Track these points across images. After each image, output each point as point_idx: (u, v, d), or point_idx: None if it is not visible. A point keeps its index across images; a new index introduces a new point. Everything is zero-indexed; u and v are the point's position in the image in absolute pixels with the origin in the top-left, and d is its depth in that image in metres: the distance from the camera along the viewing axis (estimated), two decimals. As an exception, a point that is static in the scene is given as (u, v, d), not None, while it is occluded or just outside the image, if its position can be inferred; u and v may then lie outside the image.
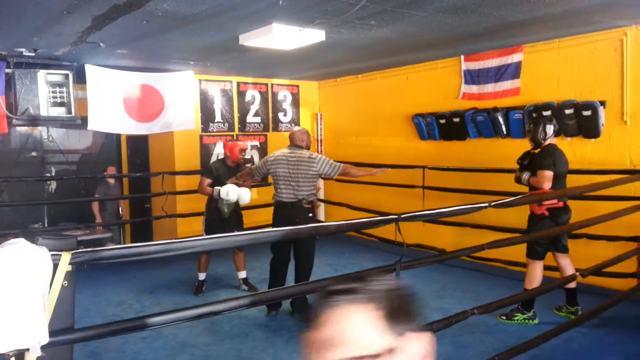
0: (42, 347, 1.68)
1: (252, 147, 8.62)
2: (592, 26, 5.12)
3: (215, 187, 5.44)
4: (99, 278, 6.04)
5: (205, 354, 4.11)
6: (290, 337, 4.43)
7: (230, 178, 5.50)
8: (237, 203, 5.58)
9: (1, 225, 7.84)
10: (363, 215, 6.79)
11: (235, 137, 8.37)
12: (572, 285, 4.52)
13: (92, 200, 7.71)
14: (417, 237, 6.89)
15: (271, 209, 5.12)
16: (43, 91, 5.84)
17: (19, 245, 1.64)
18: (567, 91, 5.67)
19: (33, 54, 5.58)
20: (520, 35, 5.46)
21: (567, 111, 5.52)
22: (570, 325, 3.86)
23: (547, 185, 4.34)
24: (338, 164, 4.88)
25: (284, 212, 4.87)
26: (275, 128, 8.89)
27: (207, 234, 5.53)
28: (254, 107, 8.60)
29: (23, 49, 5.45)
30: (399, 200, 7.51)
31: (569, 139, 5.64)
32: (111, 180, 7.56)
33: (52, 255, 1.72)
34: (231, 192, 5.35)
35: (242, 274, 5.84)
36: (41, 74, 5.82)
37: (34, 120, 6.02)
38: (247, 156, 8.42)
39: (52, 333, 1.72)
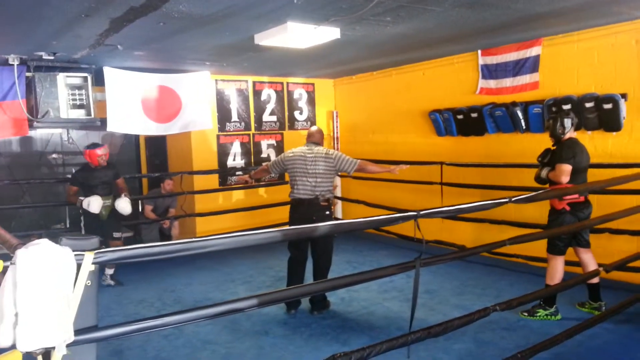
0: (67, 346, 1.70)
1: (269, 145, 8.65)
2: (611, 18, 5.03)
3: (79, 198, 5.66)
4: (120, 277, 6.11)
5: (226, 352, 4.14)
6: (310, 334, 4.44)
7: (98, 179, 5.75)
8: (112, 204, 5.86)
9: (24, 226, 7.99)
10: (381, 213, 6.73)
11: (252, 136, 8.41)
12: (595, 280, 4.46)
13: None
14: (435, 233, 6.86)
15: (286, 207, 5.13)
16: (63, 94, 5.93)
17: (43, 246, 1.66)
18: (587, 84, 5.58)
19: (52, 58, 5.67)
20: (538, 28, 5.38)
21: (588, 104, 5.43)
22: (594, 321, 3.80)
23: (565, 179, 4.28)
24: (355, 160, 4.90)
25: (301, 209, 4.88)
26: (292, 126, 8.91)
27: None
28: (270, 106, 8.63)
29: (42, 53, 5.53)
30: (417, 196, 7.48)
31: (589, 132, 5.55)
32: (164, 192, 7.68)
33: (75, 255, 1.75)
34: (92, 204, 5.57)
35: (111, 271, 6.02)
36: (61, 77, 5.91)
37: (54, 123, 6.12)
38: (264, 155, 8.49)
39: (77, 332, 1.75)
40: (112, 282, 5.98)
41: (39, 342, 1.62)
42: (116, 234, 5.89)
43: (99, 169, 5.80)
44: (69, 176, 8.47)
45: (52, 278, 1.65)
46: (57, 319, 1.64)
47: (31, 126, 5.99)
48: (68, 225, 8.34)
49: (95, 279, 1.88)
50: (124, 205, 5.90)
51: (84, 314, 1.81)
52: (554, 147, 4.54)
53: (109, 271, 6.02)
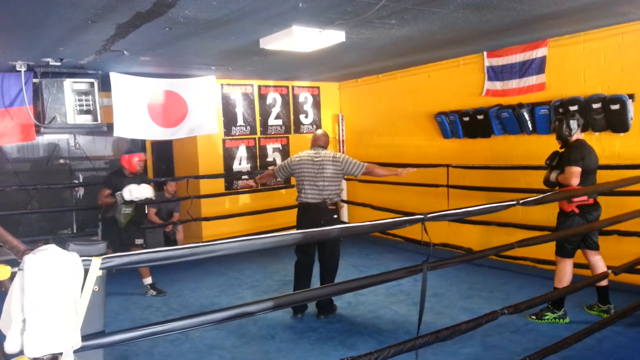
0: (75, 351, 1.70)
1: (274, 149, 8.66)
2: (618, 18, 5.00)
3: (117, 193, 5.53)
4: (127, 282, 6.12)
5: (232, 356, 4.13)
6: (317, 338, 4.43)
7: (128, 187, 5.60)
8: (133, 213, 5.71)
9: (31, 231, 8.02)
10: (387, 216, 6.75)
11: (257, 140, 8.43)
12: (604, 283, 4.42)
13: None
14: (442, 236, 6.83)
15: (293, 211, 5.12)
16: (69, 99, 5.95)
17: (50, 252, 1.66)
18: (594, 85, 5.56)
19: (59, 64, 5.70)
20: (544, 29, 5.36)
21: (595, 105, 5.40)
22: (603, 324, 3.76)
23: (575, 181, 4.25)
24: (362, 163, 4.90)
25: (309, 213, 4.87)
26: (297, 130, 8.91)
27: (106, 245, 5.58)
28: (276, 110, 8.64)
29: (49, 59, 5.57)
30: (423, 199, 7.46)
31: (597, 134, 5.52)
32: (168, 195, 7.72)
33: (82, 260, 1.75)
34: (133, 190, 5.46)
35: (148, 280, 5.89)
36: (67, 82, 5.93)
37: (61, 129, 6.14)
38: (270, 159, 8.49)
39: (84, 337, 1.75)
40: (153, 293, 5.83)
41: (47, 348, 1.62)
42: (138, 241, 5.81)
43: (130, 178, 5.72)
44: (75, 182, 8.55)
45: (59, 284, 1.64)
46: (64, 325, 1.64)
47: (38, 132, 6.02)
48: (75, 231, 8.37)
49: (103, 284, 1.88)
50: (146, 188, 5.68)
51: (91, 320, 1.81)
52: (562, 150, 4.52)
53: (147, 281, 5.87)
